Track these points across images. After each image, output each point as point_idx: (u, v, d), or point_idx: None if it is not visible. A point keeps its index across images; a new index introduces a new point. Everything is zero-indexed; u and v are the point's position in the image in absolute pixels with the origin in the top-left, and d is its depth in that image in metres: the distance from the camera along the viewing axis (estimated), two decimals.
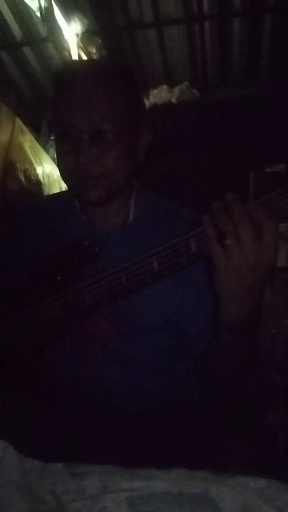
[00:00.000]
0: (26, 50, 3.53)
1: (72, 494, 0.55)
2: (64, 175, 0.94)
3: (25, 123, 2.76)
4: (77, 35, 2.87)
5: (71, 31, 2.84)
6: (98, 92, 0.89)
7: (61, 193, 1.17)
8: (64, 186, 1.00)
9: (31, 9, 2.76)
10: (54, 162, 3.11)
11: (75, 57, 2.89)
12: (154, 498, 0.53)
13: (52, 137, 3.26)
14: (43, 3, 2.66)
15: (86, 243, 0.94)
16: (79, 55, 2.94)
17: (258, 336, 0.88)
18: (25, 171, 2.71)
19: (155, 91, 3.76)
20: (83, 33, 2.87)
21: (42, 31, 3.19)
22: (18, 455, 0.60)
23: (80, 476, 0.57)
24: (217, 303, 0.77)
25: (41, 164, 2.95)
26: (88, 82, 0.90)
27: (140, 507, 0.52)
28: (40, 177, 2.92)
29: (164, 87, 3.77)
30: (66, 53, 2.89)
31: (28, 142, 2.77)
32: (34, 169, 2.84)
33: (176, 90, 3.76)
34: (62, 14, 2.76)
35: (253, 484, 0.54)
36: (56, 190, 3.02)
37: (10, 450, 0.60)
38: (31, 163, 2.80)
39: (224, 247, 0.70)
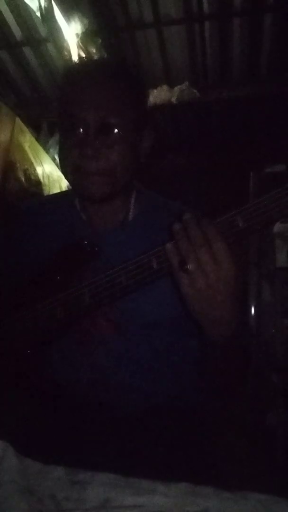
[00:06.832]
0: (26, 50, 3.53)
1: (72, 503, 0.54)
2: (67, 171, 0.94)
3: (25, 123, 2.76)
4: (77, 35, 2.86)
5: (71, 31, 2.84)
6: (107, 87, 0.90)
7: (62, 192, 1.17)
8: (64, 186, 1.01)
9: (31, 9, 2.76)
10: (54, 162, 3.11)
11: (75, 57, 2.89)
12: None
13: (52, 137, 3.25)
14: (43, 3, 2.66)
15: (86, 242, 0.94)
16: (79, 55, 2.94)
17: (244, 345, 0.90)
18: (25, 171, 2.71)
19: (155, 91, 3.75)
20: (83, 33, 2.87)
21: (42, 31, 3.18)
22: (18, 455, 0.60)
23: (81, 485, 0.56)
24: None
25: (41, 164, 2.95)
26: (98, 78, 0.91)
27: None
28: (40, 177, 2.91)
29: (164, 87, 3.76)
30: (66, 53, 2.89)
31: (28, 142, 2.77)
32: (34, 169, 2.84)
33: (176, 90, 3.76)
34: (62, 14, 2.75)
35: (253, 499, 0.54)
36: (56, 190, 3.01)
37: (10, 450, 0.60)
38: (31, 163, 2.80)
39: (186, 272, 0.72)
